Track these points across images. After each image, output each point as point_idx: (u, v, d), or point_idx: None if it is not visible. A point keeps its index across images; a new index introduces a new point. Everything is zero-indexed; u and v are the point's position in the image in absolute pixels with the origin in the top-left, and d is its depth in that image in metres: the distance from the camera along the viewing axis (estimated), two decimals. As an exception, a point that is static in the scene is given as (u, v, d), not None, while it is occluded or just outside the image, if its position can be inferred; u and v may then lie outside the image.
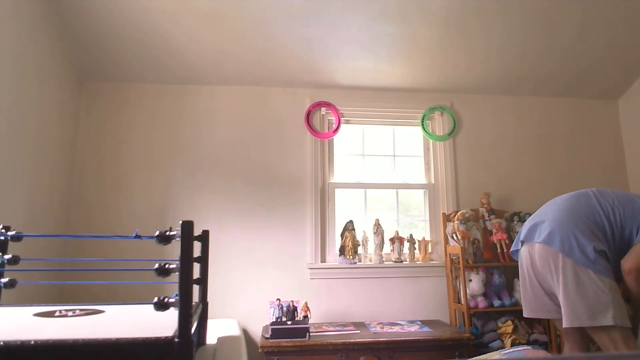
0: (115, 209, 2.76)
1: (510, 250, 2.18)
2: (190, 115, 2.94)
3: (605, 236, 1.79)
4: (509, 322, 2.60)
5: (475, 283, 2.68)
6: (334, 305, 2.82)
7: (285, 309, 2.48)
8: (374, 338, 2.35)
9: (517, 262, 2.11)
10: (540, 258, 1.86)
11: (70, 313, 1.01)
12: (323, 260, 2.87)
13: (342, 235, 2.86)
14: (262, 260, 2.82)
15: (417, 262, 2.90)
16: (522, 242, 2.01)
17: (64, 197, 2.66)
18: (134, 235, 0.97)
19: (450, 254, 2.86)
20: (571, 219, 1.82)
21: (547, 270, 1.83)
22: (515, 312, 2.69)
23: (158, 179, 2.83)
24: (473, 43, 2.76)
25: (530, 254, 1.93)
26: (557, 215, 1.87)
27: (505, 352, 2.12)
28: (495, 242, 2.81)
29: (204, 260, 1.18)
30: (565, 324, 1.74)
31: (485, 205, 2.93)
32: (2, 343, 0.74)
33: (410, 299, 2.89)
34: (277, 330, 2.31)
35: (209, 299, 1.21)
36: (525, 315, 2.02)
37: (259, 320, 2.69)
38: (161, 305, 0.84)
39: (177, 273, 0.84)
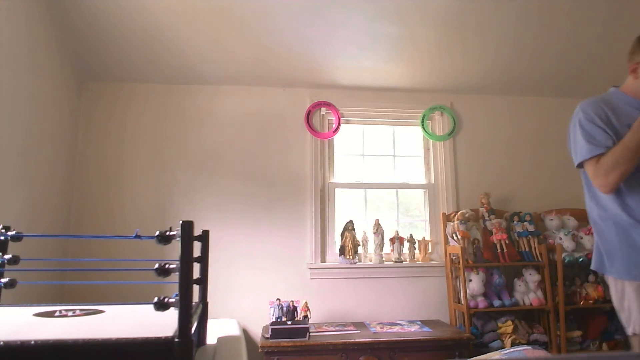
0: (115, 208, 2.76)
1: None
2: (191, 114, 2.94)
3: None
4: (509, 322, 2.61)
5: (475, 283, 2.68)
6: (334, 305, 2.82)
7: (285, 309, 2.48)
8: (374, 338, 2.35)
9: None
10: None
11: (70, 313, 1.01)
12: (323, 260, 2.87)
13: (342, 235, 2.86)
14: (262, 260, 2.82)
15: (417, 262, 2.90)
16: None
17: (64, 197, 2.66)
18: (134, 235, 0.97)
19: (450, 254, 2.86)
20: (597, 232, 1.63)
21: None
22: (515, 312, 2.70)
23: (158, 178, 2.83)
24: (472, 43, 2.76)
25: None
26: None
27: (505, 352, 2.12)
28: (495, 242, 2.80)
29: (204, 260, 1.17)
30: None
31: (485, 205, 2.93)
32: (2, 343, 0.74)
33: (410, 299, 2.89)
34: (277, 330, 2.31)
35: (209, 299, 1.21)
36: None
37: (259, 320, 2.69)
38: (161, 305, 0.84)
39: (177, 273, 0.84)
